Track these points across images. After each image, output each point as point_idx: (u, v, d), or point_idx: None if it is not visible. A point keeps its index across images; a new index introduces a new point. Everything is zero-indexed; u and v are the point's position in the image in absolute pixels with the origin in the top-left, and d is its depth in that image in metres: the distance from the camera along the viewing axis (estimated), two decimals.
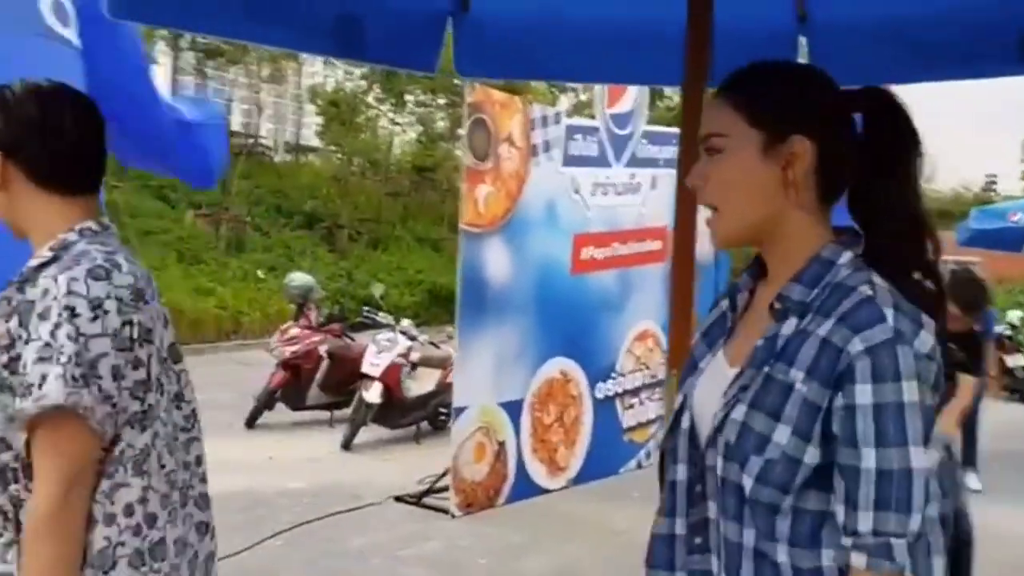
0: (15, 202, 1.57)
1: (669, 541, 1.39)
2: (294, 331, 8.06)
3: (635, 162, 6.32)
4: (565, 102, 23.41)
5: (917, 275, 1.28)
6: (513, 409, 5.51)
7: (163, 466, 1.52)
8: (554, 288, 5.73)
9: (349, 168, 24.97)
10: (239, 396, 7.98)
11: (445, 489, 5.52)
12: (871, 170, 1.30)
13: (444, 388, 7.69)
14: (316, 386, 7.89)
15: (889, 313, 1.17)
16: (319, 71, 38.32)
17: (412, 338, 7.72)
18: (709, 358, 1.39)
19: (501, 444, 5.44)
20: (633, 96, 6.20)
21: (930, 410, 1.17)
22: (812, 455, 1.19)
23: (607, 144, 6.07)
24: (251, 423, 7.63)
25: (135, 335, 1.47)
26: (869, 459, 1.15)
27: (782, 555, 1.22)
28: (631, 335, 6.34)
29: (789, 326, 1.24)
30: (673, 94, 26.38)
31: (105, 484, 1.44)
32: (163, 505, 1.51)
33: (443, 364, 7.71)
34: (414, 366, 7.71)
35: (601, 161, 6.03)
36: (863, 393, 1.16)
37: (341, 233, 20.07)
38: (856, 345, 1.16)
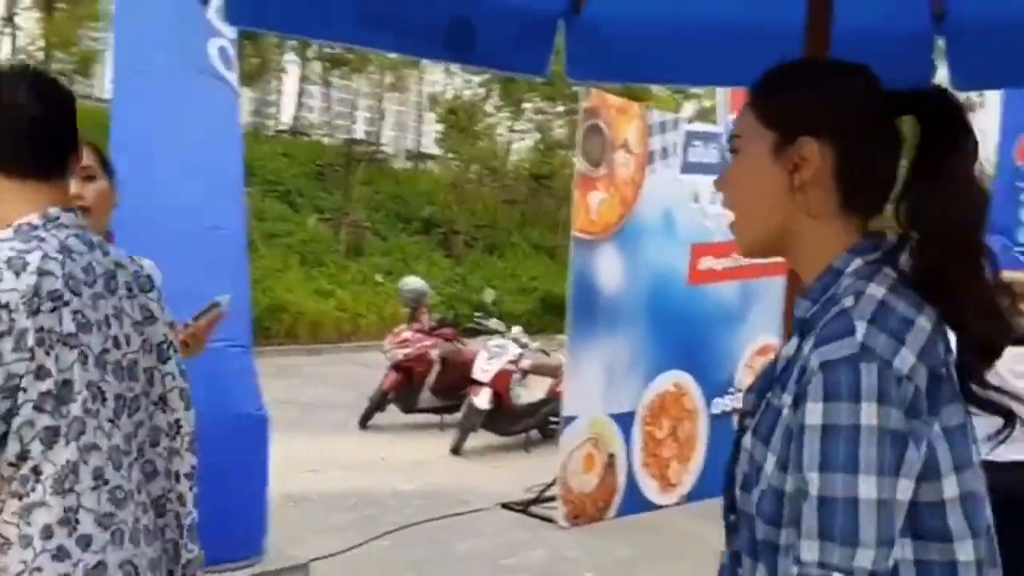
0: None
1: (721, 572, 1.31)
2: (406, 334, 8.14)
3: None
4: (689, 108, 23.09)
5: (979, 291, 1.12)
6: (624, 421, 5.40)
7: (105, 482, 1.37)
8: (670, 298, 5.59)
9: (466, 175, 25.23)
10: (356, 396, 8.11)
11: (553, 499, 5.45)
12: (915, 174, 1.17)
13: (554, 396, 7.61)
14: (427, 389, 7.95)
15: (860, 326, 1.05)
16: (439, 80, 38.98)
17: (523, 345, 7.69)
18: None
19: (611, 456, 5.33)
20: None
21: (901, 437, 1.03)
22: (791, 484, 1.07)
23: (729, 150, 5.88)
24: (364, 423, 7.74)
25: (31, 342, 1.30)
26: (813, 485, 1.03)
27: None
28: (751, 349, 6.13)
29: (791, 346, 1.14)
30: None
31: (16, 504, 1.30)
32: (103, 525, 1.36)
33: (554, 372, 7.64)
34: (524, 373, 7.67)
35: (722, 168, 5.86)
36: (812, 413, 1.04)
37: (457, 239, 20.29)
38: (813, 361, 1.05)
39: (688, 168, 5.68)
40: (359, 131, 27.70)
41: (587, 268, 5.11)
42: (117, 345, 1.43)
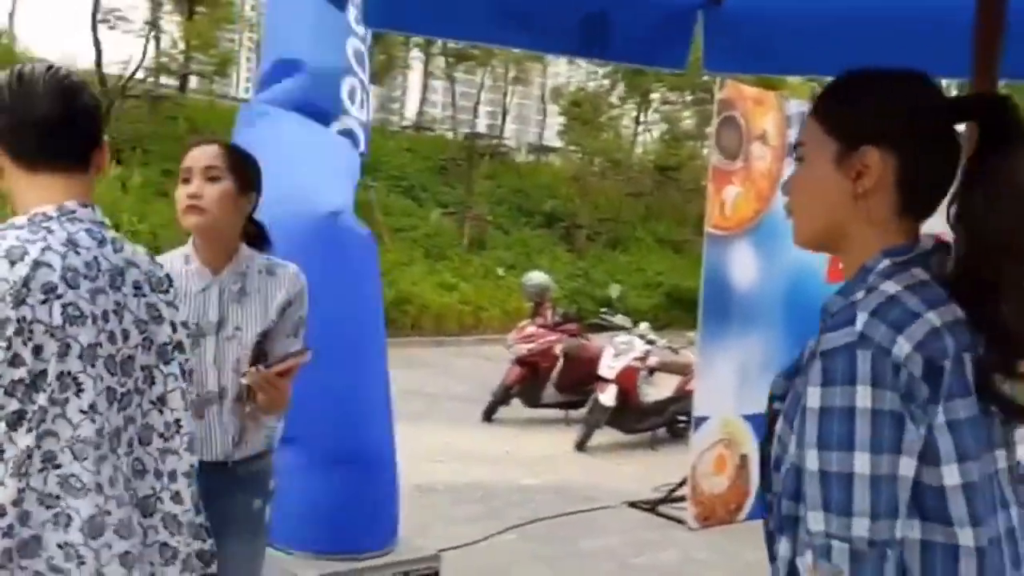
0: (8, 184, 1.52)
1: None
2: (531, 329, 8.15)
3: None
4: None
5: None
6: (757, 423, 5.22)
7: (56, 466, 1.39)
8: (806, 297, 5.36)
9: (590, 168, 25.11)
10: (479, 389, 8.18)
11: (681, 499, 5.34)
12: (967, 178, 1.21)
13: (683, 395, 7.48)
14: (552, 385, 7.94)
15: (862, 317, 1.13)
16: (562, 72, 38.99)
17: (650, 342, 7.57)
18: None
19: (743, 458, 5.18)
20: None
21: (898, 417, 1.10)
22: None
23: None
24: (488, 417, 7.79)
25: (9, 332, 1.34)
26: (812, 461, 1.13)
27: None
28: None
29: (815, 338, 1.22)
30: (950, 86, 24.45)
31: None
32: (45, 505, 1.38)
33: (683, 370, 7.51)
34: (652, 371, 7.56)
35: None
36: (813, 396, 1.13)
37: (579, 233, 20.21)
38: (818, 348, 1.15)
39: None
40: (481, 125, 27.95)
41: (720, 265, 4.97)
42: (112, 340, 1.45)
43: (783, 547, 1.22)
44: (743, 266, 5.10)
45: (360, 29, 3.57)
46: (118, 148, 15.05)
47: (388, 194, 17.08)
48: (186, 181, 2.12)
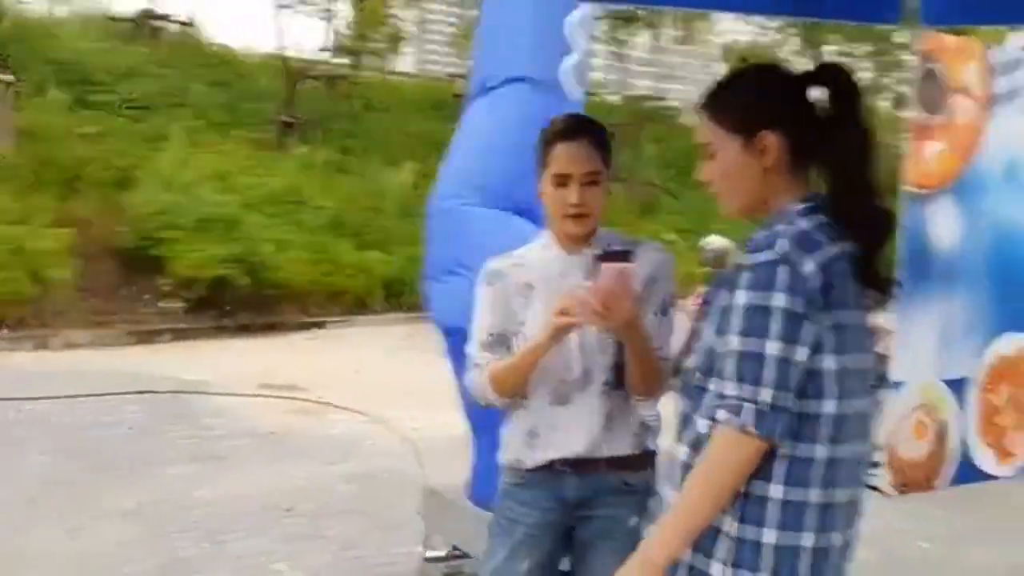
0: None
1: None
2: None
3: None
4: (1016, 41, 20.71)
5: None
6: (958, 387, 5.01)
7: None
8: (1014, 255, 5.07)
9: None
10: None
11: (874, 465, 5.19)
12: (824, 133, 1.64)
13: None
14: None
15: (782, 243, 1.55)
16: (729, 29, 37.78)
17: None
18: None
19: (943, 424, 4.97)
20: None
21: (801, 317, 1.51)
22: (719, 345, 1.60)
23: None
24: None
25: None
26: (736, 342, 1.54)
27: (702, 427, 1.62)
28: None
29: (744, 258, 1.60)
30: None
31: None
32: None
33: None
34: None
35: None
36: (740, 296, 1.54)
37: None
38: (746, 261, 1.56)
39: None
40: (648, 88, 27.55)
41: (921, 224, 4.75)
42: None
43: (687, 407, 1.65)
44: (945, 225, 4.87)
45: (582, 41, 3.45)
46: (301, 129, 15.79)
47: None
48: (562, 185, 2.04)
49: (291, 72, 16.07)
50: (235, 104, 16.32)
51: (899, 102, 29.13)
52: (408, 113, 19.16)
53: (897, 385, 4.88)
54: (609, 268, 1.83)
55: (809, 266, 1.51)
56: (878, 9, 2.60)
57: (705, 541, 1.57)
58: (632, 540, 2.02)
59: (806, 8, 2.61)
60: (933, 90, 4.85)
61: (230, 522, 4.67)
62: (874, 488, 4.93)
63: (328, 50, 18.32)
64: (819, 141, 1.64)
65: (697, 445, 1.59)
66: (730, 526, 1.55)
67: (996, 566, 4.15)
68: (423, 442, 5.92)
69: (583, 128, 2.07)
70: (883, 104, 27.94)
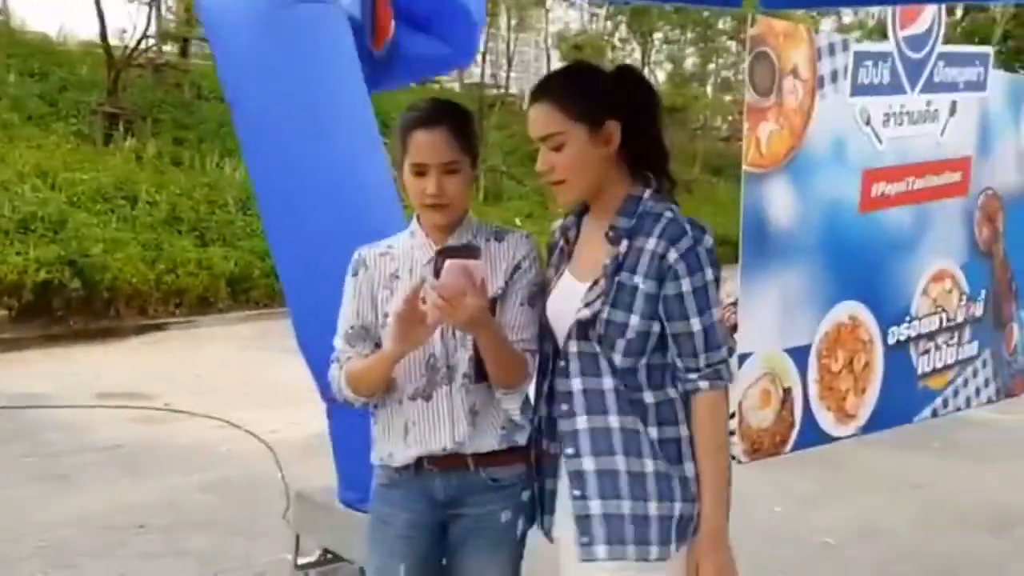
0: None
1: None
2: None
3: (931, 87, 5.78)
4: (828, 25, 22.06)
5: None
6: (799, 355, 5.28)
7: None
8: (842, 228, 5.38)
9: None
10: None
11: (731, 433, 5.42)
12: (631, 120, 1.90)
13: None
14: None
15: (687, 227, 1.83)
16: (563, 17, 38.35)
17: None
18: (556, 280, 2.01)
19: (787, 391, 5.23)
20: (930, 15, 5.66)
21: (717, 282, 1.87)
22: (655, 328, 1.86)
23: (901, 69, 5.58)
24: None
25: None
26: (696, 324, 1.84)
27: (648, 397, 1.88)
28: (927, 276, 5.85)
29: (623, 246, 1.85)
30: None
31: None
32: None
33: None
34: None
35: (894, 88, 5.56)
36: (686, 283, 1.82)
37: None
38: (673, 254, 1.82)
39: (858, 91, 5.42)
40: (483, 75, 27.63)
41: (758, 202, 4.97)
42: None
43: (609, 385, 1.87)
44: (780, 203, 5.10)
45: None
46: (128, 120, 15.01)
47: None
48: (420, 175, 1.98)
49: (114, 60, 15.21)
50: (54, 95, 15.38)
51: (724, 86, 30.55)
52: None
53: (744, 356, 5.11)
54: (452, 265, 1.79)
55: (710, 242, 1.84)
56: None
57: (579, 482, 1.87)
58: (505, 535, 2.06)
59: None
60: (765, 73, 5.08)
61: (78, 545, 4.39)
62: (731, 456, 5.17)
63: (153, 37, 17.42)
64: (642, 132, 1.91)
65: (643, 413, 1.87)
66: (675, 470, 1.87)
67: (847, 524, 4.41)
68: (280, 444, 5.75)
69: (443, 115, 2.01)
70: (708, 91, 29.16)
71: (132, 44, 15.52)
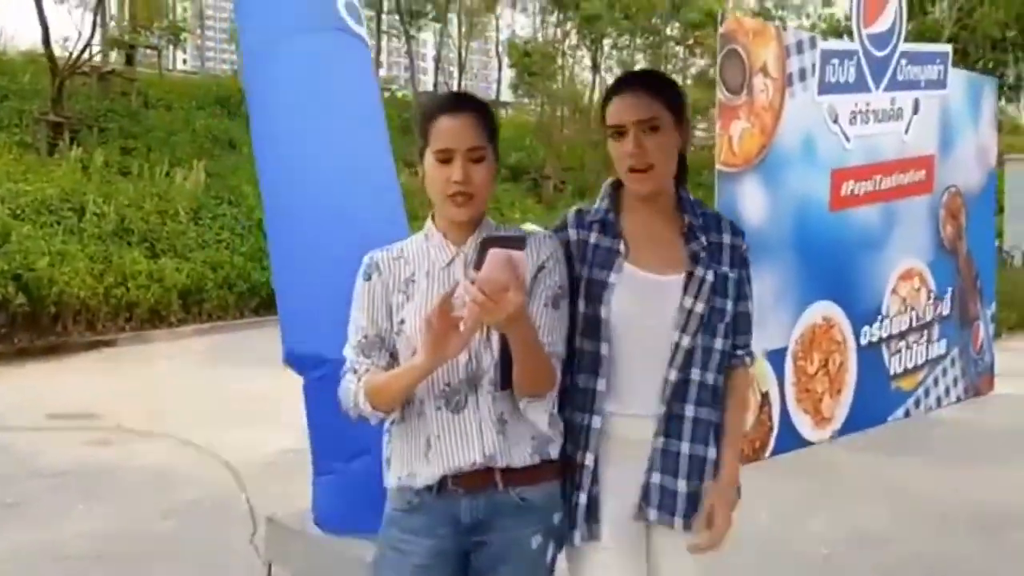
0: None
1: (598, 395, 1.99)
2: None
3: (895, 85, 5.77)
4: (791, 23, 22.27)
5: None
6: (776, 358, 5.20)
7: None
8: (813, 228, 5.33)
9: (550, 118, 24.90)
10: None
11: None
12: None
13: None
14: None
15: (738, 227, 2.16)
16: (516, 24, 38.35)
17: None
18: (611, 275, 1.96)
19: (765, 395, 5.15)
20: (893, 12, 5.64)
21: None
22: (731, 312, 2.03)
23: (865, 68, 5.55)
24: None
25: None
26: (751, 305, 2.10)
27: (720, 381, 2.03)
28: (896, 274, 5.83)
29: (705, 240, 2.00)
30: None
31: None
32: None
33: None
34: None
35: (860, 87, 5.53)
36: (747, 271, 2.08)
37: (547, 183, 20.08)
38: (743, 245, 2.07)
39: (826, 89, 5.38)
40: (436, 82, 27.46)
41: (732, 202, 4.89)
42: None
43: (697, 374, 1.97)
44: (753, 203, 5.03)
45: None
46: (74, 129, 14.61)
47: None
48: (445, 162, 1.83)
49: (57, 68, 14.78)
50: None
51: None
52: (192, 110, 18.18)
53: None
54: (496, 255, 1.62)
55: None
56: None
57: (672, 464, 1.99)
58: (535, 563, 1.89)
59: None
60: (735, 70, 5.00)
61: None
62: None
63: (98, 44, 16.99)
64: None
65: (710, 400, 2.00)
66: (683, 447, 2.00)
67: (838, 532, 4.32)
68: (242, 464, 5.53)
69: (467, 101, 1.89)
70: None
71: (76, 52, 15.07)
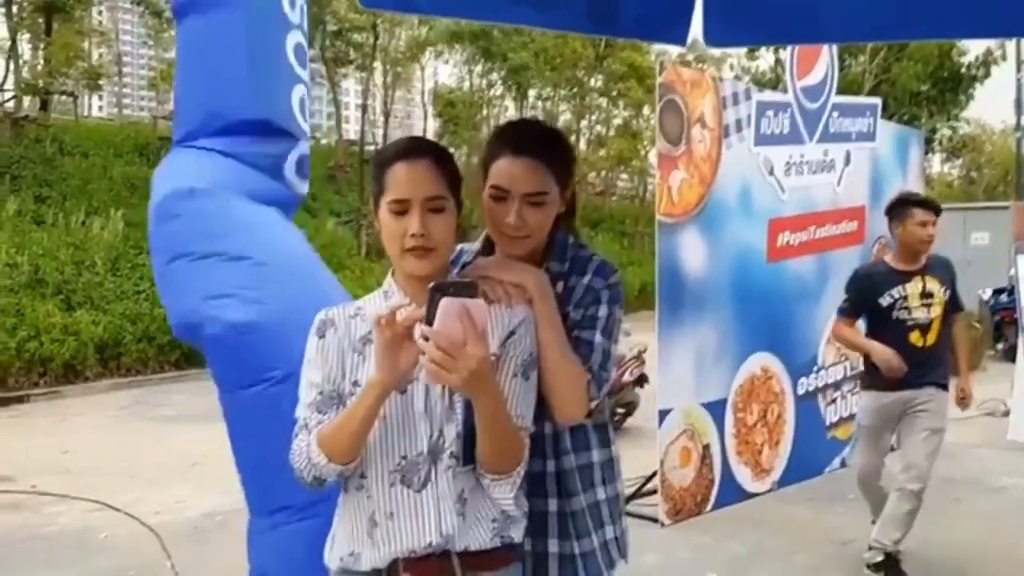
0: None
1: None
2: None
3: (828, 137, 5.89)
4: (728, 73, 22.97)
5: None
6: (716, 409, 5.18)
7: None
8: (752, 278, 5.36)
9: (476, 168, 24.99)
10: None
11: (646, 495, 5.24)
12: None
13: (619, 388, 7.40)
14: None
15: (611, 269, 1.93)
16: (440, 72, 38.61)
17: None
18: None
19: (706, 447, 5.11)
20: (825, 65, 5.77)
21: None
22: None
23: (799, 119, 5.65)
24: None
25: None
26: (595, 336, 1.85)
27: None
28: (831, 325, 5.89)
29: (558, 288, 1.87)
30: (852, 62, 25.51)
31: None
32: None
33: (616, 363, 7.41)
34: None
35: (794, 138, 5.62)
36: (603, 309, 1.88)
37: (474, 232, 20.04)
38: (598, 283, 1.89)
39: (761, 140, 5.45)
40: (357, 131, 27.40)
41: (672, 252, 4.88)
42: None
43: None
44: (693, 253, 5.03)
45: (295, 16, 3.09)
46: None
47: None
48: (400, 213, 1.69)
49: None
50: None
51: (597, 142, 31.31)
52: (109, 157, 17.70)
53: (664, 412, 4.96)
54: (450, 305, 1.48)
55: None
56: (667, 31, 2.52)
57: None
58: None
59: (601, 26, 2.48)
60: (674, 121, 5.02)
61: None
62: (648, 519, 4.97)
63: (11, 90, 16.46)
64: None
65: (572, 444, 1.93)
66: None
67: None
68: (165, 527, 5.22)
69: (424, 147, 1.75)
70: (582, 146, 29.79)
71: None
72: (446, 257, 1.74)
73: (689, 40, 2.57)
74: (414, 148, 1.72)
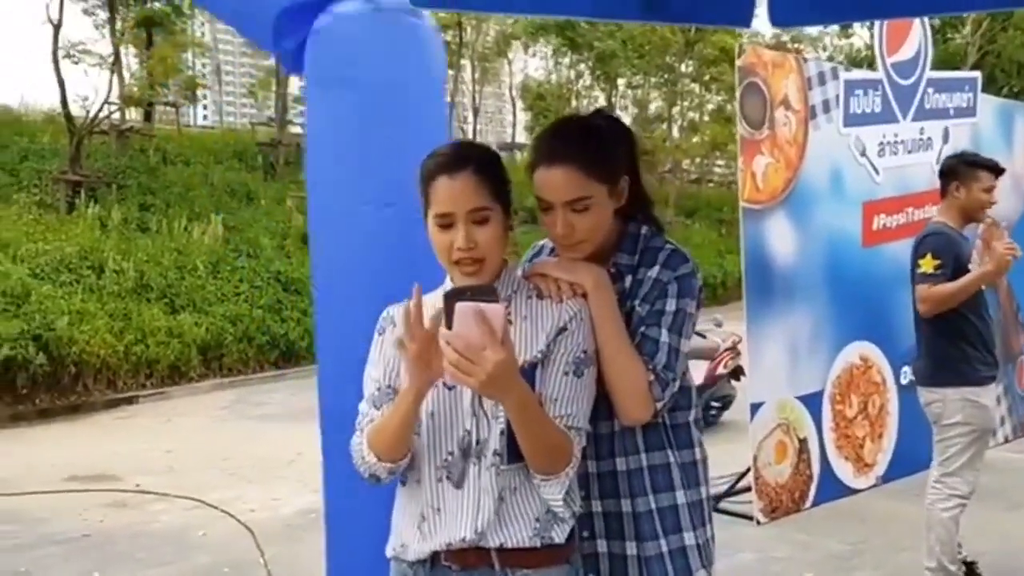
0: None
1: None
2: None
3: (923, 114, 5.60)
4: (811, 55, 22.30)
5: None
6: (812, 402, 4.98)
7: None
8: (846, 264, 5.15)
9: None
10: None
11: (740, 492, 5.10)
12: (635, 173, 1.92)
13: (713, 381, 7.24)
14: None
15: (687, 257, 1.86)
16: (528, 66, 38.62)
17: None
18: None
19: (803, 441, 4.93)
20: (917, 39, 5.49)
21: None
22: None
23: (891, 97, 5.39)
24: None
25: None
26: (662, 333, 1.79)
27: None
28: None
29: (626, 282, 1.84)
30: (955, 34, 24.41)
31: None
32: None
33: (710, 355, 7.25)
34: None
35: (886, 117, 5.37)
36: (671, 302, 1.81)
37: None
38: (665, 276, 1.83)
39: (851, 120, 5.22)
40: (451, 127, 27.59)
41: (759, 240, 4.72)
42: None
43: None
44: (781, 240, 4.85)
45: None
46: (92, 187, 14.66)
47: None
48: (446, 227, 1.69)
49: (75, 127, 14.88)
50: (15, 165, 15.01)
51: (690, 128, 30.76)
52: (210, 164, 18.27)
53: (756, 406, 4.80)
54: (464, 309, 1.48)
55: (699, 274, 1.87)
56: (727, 13, 2.41)
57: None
58: None
59: (654, 13, 2.38)
60: (756, 104, 4.85)
61: None
62: (744, 517, 4.82)
63: (116, 102, 17.14)
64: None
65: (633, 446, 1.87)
66: None
67: None
68: (259, 524, 5.34)
69: (467, 157, 1.71)
70: (675, 134, 29.35)
71: (94, 110, 15.18)
72: (497, 263, 1.73)
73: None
74: (455, 160, 1.71)
